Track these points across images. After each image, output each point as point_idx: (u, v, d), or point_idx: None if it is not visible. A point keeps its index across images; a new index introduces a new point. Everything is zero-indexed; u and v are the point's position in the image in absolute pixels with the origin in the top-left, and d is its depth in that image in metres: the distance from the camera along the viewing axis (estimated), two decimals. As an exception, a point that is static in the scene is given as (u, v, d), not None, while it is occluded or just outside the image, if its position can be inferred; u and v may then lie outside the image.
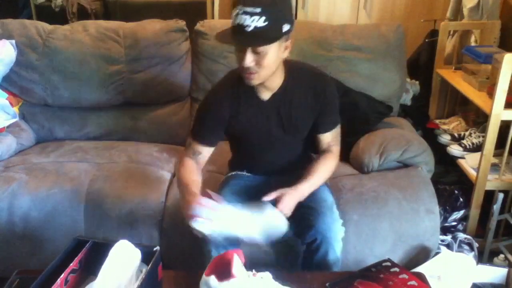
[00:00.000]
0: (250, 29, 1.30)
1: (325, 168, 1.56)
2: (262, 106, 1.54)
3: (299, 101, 1.53)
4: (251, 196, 1.52)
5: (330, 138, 1.60)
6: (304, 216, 1.51)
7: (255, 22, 1.29)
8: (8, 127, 2.20)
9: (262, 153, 1.64)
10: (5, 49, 2.17)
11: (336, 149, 1.61)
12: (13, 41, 2.23)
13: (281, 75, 1.50)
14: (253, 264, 1.25)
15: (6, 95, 2.22)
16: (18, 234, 1.82)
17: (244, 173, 1.71)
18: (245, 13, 1.29)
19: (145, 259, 1.22)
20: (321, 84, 1.54)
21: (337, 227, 1.49)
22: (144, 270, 1.18)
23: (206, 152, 1.58)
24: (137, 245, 1.22)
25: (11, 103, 2.22)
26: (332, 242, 1.46)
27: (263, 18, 1.29)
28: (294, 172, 1.56)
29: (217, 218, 1.29)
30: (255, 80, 1.42)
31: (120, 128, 2.35)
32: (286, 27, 1.35)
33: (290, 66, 1.52)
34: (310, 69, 1.59)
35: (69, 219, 1.81)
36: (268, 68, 1.40)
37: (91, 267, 1.22)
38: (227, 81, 1.58)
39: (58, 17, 3.57)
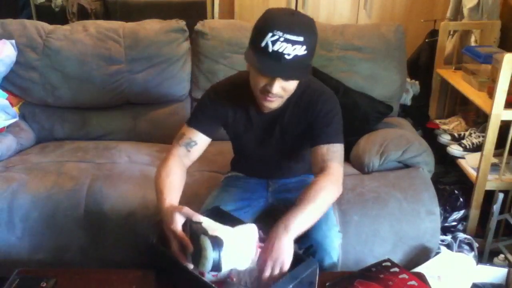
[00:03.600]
0: (289, 57, 1.21)
1: (319, 195, 1.29)
2: (258, 118, 1.48)
3: (293, 115, 1.45)
4: (245, 200, 1.55)
5: (325, 151, 1.39)
6: None
7: (296, 51, 1.21)
8: (8, 127, 2.20)
9: (257, 159, 1.61)
10: (5, 49, 2.17)
11: (335, 166, 1.37)
12: (13, 41, 2.22)
13: None
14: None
15: (6, 95, 2.22)
16: (18, 234, 1.82)
17: (242, 175, 1.70)
18: (287, 40, 1.20)
19: None
20: (317, 97, 1.42)
21: (333, 234, 1.44)
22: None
23: (201, 142, 1.46)
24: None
25: (11, 103, 2.22)
26: (327, 250, 1.42)
27: (304, 47, 1.22)
28: (292, 175, 1.61)
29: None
30: (276, 104, 1.36)
31: (120, 128, 2.35)
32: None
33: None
34: (312, 86, 1.46)
35: (69, 219, 1.81)
36: (290, 93, 1.35)
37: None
38: (232, 82, 1.51)
39: (58, 17, 3.57)
